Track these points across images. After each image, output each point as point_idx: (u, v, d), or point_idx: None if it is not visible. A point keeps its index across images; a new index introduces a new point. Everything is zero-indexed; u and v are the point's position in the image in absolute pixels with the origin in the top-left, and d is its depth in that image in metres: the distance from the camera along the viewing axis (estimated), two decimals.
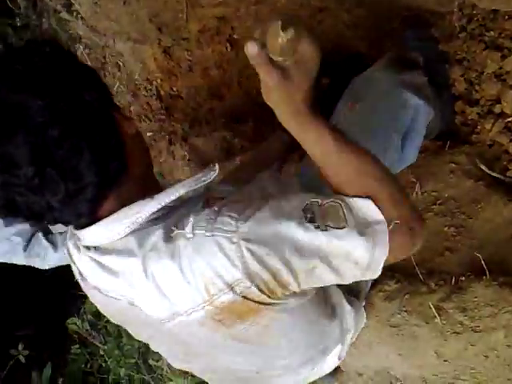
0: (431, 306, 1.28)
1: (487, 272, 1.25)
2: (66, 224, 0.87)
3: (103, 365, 2.99)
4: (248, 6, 1.98)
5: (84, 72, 0.84)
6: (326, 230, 0.77)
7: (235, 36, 2.08)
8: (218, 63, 2.11)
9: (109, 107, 0.83)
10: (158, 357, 2.53)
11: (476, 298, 1.24)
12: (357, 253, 0.78)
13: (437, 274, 1.35)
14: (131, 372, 2.76)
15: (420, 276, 1.35)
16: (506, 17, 1.41)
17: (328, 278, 0.82)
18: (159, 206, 0.82)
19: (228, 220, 0.78)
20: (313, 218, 0.78)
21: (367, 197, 0.81)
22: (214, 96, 2.13)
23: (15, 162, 0.72)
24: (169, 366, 2.42)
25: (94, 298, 0.95)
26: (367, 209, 0.80)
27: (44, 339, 2.93)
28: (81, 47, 2.31)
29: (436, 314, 1.27)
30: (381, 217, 0.79)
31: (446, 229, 1.43)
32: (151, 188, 0.87)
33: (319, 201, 0.81)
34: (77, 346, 3.02)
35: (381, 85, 1.25)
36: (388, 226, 0.79)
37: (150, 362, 2.67)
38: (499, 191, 1.40)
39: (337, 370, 1.86)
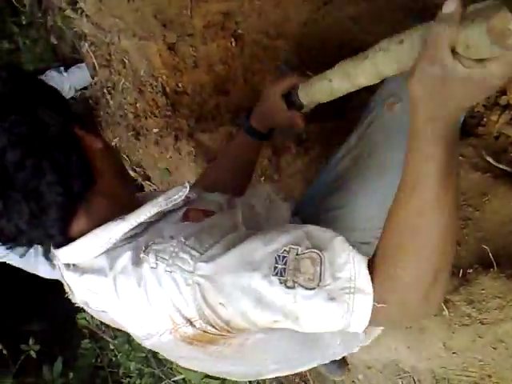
0: None
1: (495, 264, 1.25)
2: (41, 245, 0.87)
3: (113, 359, 3.02)
4: (252, 0, 1.98)
5: (43, 93, 0.84)
6: (292, 288, 0.70)
7: (240, 31, 2.08)
8: (223, 59, 2.11)
9: (70, 124, 0.82)
10: None
11: (484, 290, 1.25)
12: (328, 318, 0.71)
13: None
14: (141, 366, 2.79)
15: None
16: None
17: (294, 329, 0.76)
18: (131, 227, 0.82)
19: (188, 258, 0.75)
20: (283, 269, 0.71)
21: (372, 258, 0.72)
22: (219, 91, 2.13)
23: None
24: None
25: (87, 310, 0.95)
26: (359, 272, 0.70)
27: (54, 334, 2.97)
28: (86, 44, 2.32)
29: (444, 307, 1.28)
30: (369, 289, 0.69)
31: None
32: (125, 201, 0.88)
33: (299, 249, 0.73)
34: (87, 340, 3.06)
35: None
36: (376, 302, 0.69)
37: (160, 355, 2.70)
38: (506, 183, 1.40)
39: (345, 363, 1.88)
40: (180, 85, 2.17)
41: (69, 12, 2.29)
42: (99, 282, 0.82)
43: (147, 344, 0.87)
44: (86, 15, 2.18)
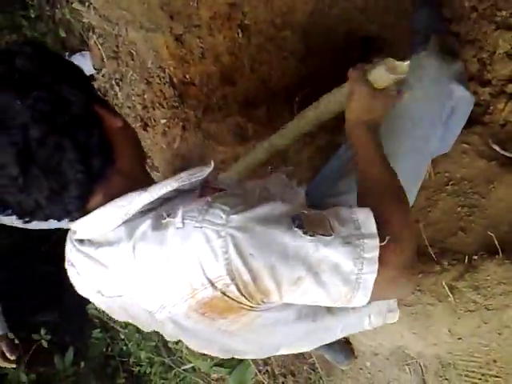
0: (444, 285, 1.30)
1: (500, 251, 1.26)
2: (58, 220, 0.87)
3: (124, 348, 3.06)
4: None
5: (66, 70, 0.85)
6: (313, 236, 0.77)
7: (246, 22, 2.08)
8: (229, 49, 2.11)
9: (92, 103, 0.84)
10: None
11: (489, 276, 1.26)
12: (344, 265, 0.77)
13: (450, 253, 1.37)
14: (151, 355, 2.83)
15: (433, 255, 1.36)
16: None
17: (314, 294, 0.80)
18: (151, 199, 0.83)
19: (219, 212, 0.77)
20: (301, 224, 0.78)
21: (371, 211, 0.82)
22: (226, 82, 2.14)
23: (0, 163, 0.75)
24: (188, 348, 2.46)
25: (96, 302, 0.96)
26: (364, 220, 0.81)
27: (66, 324, 3.00)
28: (94, 36, 2.33)
29: (449, 293, 1.29)
30: (374, 230, 0.79)
31: (459, 209, 1.44)
32: (142, 180, 0.88)
33: (306, 212, 0.82)
34: (98, 330, 3.10)
35: (431, 73, 1.22)
36: (381, 241, 0.78)
37: (170, 344, 2.73)
38: None
39: (352, 352, 1.90)
40: (187, 76, 2.18)
41: (76, 5, 2.31)
42: (116, 253, 0.83)
43: (158, 317, 0.87)
44: (94, 7, 2.19)
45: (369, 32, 2.16)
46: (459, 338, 1.33)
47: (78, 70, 0.89)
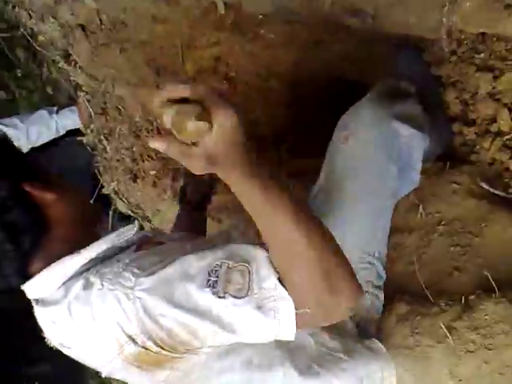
0: (442, 326, 1.28)
1: (497, 289, 1.26)
2: (3, 291, 0.93)
3: None
4: (242, 43, 2.03)
5: None
6: (223, 298, 0.76)
7: (232, 74, 2.13)
8: None
9: (20, 183, 0.87)
10: None
11: (487, 315, 1.25)
12: (259, 325, 0.77)
13: (446, 294, 1.36)
14: None
15: (430, 297, 1.35)
16: (495, 38, 1.45)
17: (235, 340, 0.82)
18: (85, 261, 0.87)
19: (129, 275, 0.81)
20: (215, 281, 0.77)
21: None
22: None
23: None
24: None
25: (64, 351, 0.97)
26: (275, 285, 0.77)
27: (60, 377, 2.89)
28: (81, 94, 2.36)
29: (448, 334, 1.27)
30: (287, 295, 0.76)
31: (452, 249, 1.44)
32: (83, 242, 0.91)
33: (230, 263, 0.79)
34: (94, 382, 3.01)
35: (369, 117, 1.28)
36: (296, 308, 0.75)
37: None
38: (503, 209, 1.42)
39: None
40: None
41: (62, 64, 2.35)
42: (57, 312, 0.86)
43: (105, 372, 0.90)
44: (80, 67, 2.23)
45: (352, 77, 2.21)
46: (460, 380, 1.31)
47: (7, 151, 0.92)
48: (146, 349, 0.81)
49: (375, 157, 1.25)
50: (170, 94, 0.68)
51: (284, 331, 0.77)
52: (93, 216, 1.03)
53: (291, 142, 2.03)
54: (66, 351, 0.94)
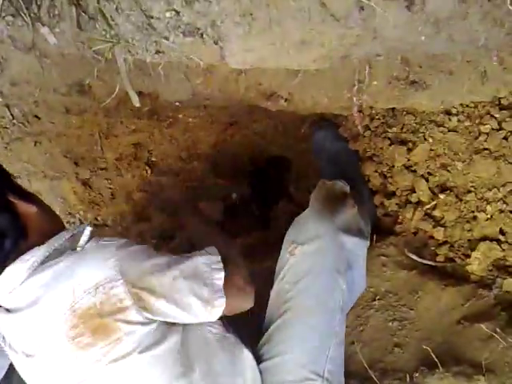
0: None
1: (439, 364, 1.25)
2: None
3: None
4: (161, 129, 2.03)
5: None
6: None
7: (153, 159, 2.10)
8: (139, 186, 2.11)
9: (5, 195, 1.00)
10: None
11: None
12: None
13: (390, 373, 1.34)
14: None
15: (375, 378, 1.32)
16: (404, 112, 1.51)
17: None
18: (50, 251, 0.97)
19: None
20: None
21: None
22: (140, 219, 2.11)
23: None
24: None
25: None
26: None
27: None
28: None
29: None
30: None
31: (390, 324, 1.43)
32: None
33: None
34: None
35: (314, 231, 1.28)
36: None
37: None
38: (434, 278, 1.43)
39: None
40: (99, 218, 2.13)
41: None
42: (23, 317, 0.96)
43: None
44: None
45: (272, 153, 2.25)
46: None
47: None
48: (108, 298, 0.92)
49: (323, 270, 1.25)
50: None
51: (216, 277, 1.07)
52: (60, 229, 1.09)
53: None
54: (28, 364, 0.99)
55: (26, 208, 1.03)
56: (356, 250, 1.32)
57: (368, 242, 1.40)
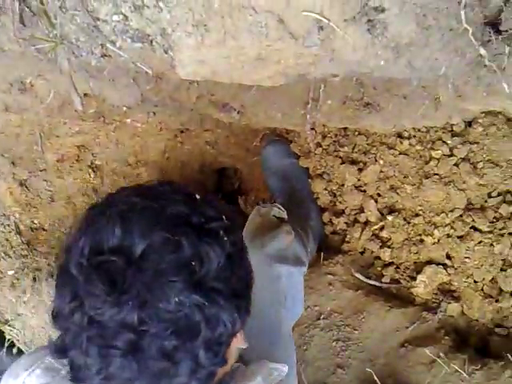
0: None
1: None
2: None
3: None
4: (107, 132, 1.94)
5: None
6: None
7: (98, 162, 2.02)
8: (82, 190, 2.01)
9: None
10: None
11: None
12: None
13: None
14: None
15: None
16: (356, 133, 1.50)
17: None
18: None
19: None
20: None
21: None
22: None
23: None
24: None
25: None
26: None
27: None
28: None
29: None
30: None
31: (334, 344, 1.41)
32: None
33: None
34: None
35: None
36: None
37: None
38: (379, 299, 1.42)
39: None
40: (36, 221, 2.02)
41: None
42: None
43: None
44: None
45: (222, 164, 2.20)
46: None
47: None
48: None
49: (264, 308, 1.18)
50: None
51: None
52: None
53: None
54: None
55: None
56: (293, 277, 1.27)
57: (305, 268, 1.35)
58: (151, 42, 0.81)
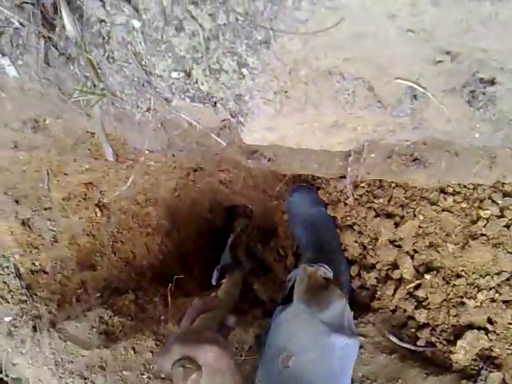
0: None
1: None
2: None
3: None
4: (118, 170, 1.84)
5: None
6: None
7: (105, 200, 1.91)
8: (87, 230, 1.90)
9: None
10: None
11: None
12: None
13: None
14: None
15: None
16: (394, 184, 1.41)
17: None
18: None
19: None
20: None
21: None
22: (84, 267, 1.89)
23: None
24: None
25: None
26: None
27: None
28: None
29: None
30: None
31: None
32: None
33: None
34: None
35: (307, 336, 1.14)
36: None
37: None
38: (415, 365, 1.33)
39: None
40: (37, 263, 1.89)
41: None
42: None
43: None
44: None
45: (233, 202, 2.11)
46: None
47: None
48: None
49: (320, 377, 1.11)
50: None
51: None
52: None
53: (176, 282, 1.81)
54: None
55: None
56: (347, 351, 1.18)
57: (358, 342, 1.25)
58: (215, 103, 0.72)
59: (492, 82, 0.62)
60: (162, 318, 1.73)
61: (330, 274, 1.30)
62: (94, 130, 1.07)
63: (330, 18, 0.53)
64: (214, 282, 1.55)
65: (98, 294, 1.83)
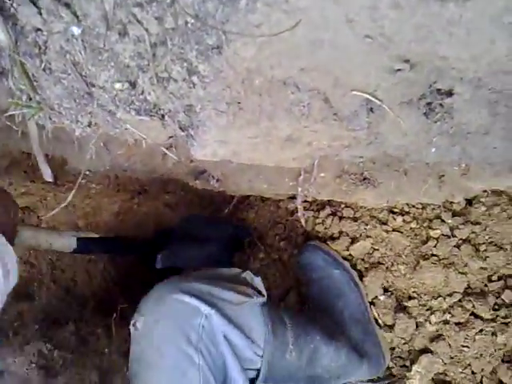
0: None
1: None
2: None
3: None
4: (56, 193, 1.75)
5: None
6: None
7: (43, 225, 1.81)
8: (23, 257, 1.80)
9: None
10: None
11: None
12: None
13: None
14: None
15: None
16: (343, 205, 1.40)
17: None
18: None
19: None
20: None
21: None
22: (21, 297, 1.78)
23: None
24: None
25: None
26: None
27: None
28: None
29: None
30: None
31: None
32: None
33: None
34: None
35: (156, 292, 1.12)
36: None
37: None
38: None
39: None
40: None
41: None
42: None
43: None
44: None
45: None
46: None
47: None
48: None
49: (166, 341, 1.00)
50: None
51: None
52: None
53: (121, 310, 1.73)
54: None
55: None
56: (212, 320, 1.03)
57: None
58: (162, 116, 0.67)
59: (450, 93, 0.61)
60: (106, 350, 1.64)
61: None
62: (31, 150, 1.00)
63: (286, 22, 0.50)
64: (158, 266, 1.46)
65: (37, 327, 1.72)
